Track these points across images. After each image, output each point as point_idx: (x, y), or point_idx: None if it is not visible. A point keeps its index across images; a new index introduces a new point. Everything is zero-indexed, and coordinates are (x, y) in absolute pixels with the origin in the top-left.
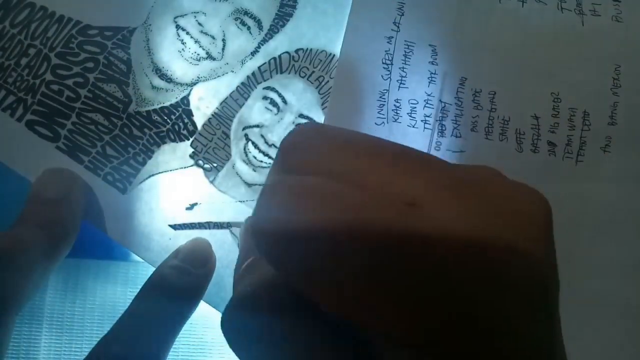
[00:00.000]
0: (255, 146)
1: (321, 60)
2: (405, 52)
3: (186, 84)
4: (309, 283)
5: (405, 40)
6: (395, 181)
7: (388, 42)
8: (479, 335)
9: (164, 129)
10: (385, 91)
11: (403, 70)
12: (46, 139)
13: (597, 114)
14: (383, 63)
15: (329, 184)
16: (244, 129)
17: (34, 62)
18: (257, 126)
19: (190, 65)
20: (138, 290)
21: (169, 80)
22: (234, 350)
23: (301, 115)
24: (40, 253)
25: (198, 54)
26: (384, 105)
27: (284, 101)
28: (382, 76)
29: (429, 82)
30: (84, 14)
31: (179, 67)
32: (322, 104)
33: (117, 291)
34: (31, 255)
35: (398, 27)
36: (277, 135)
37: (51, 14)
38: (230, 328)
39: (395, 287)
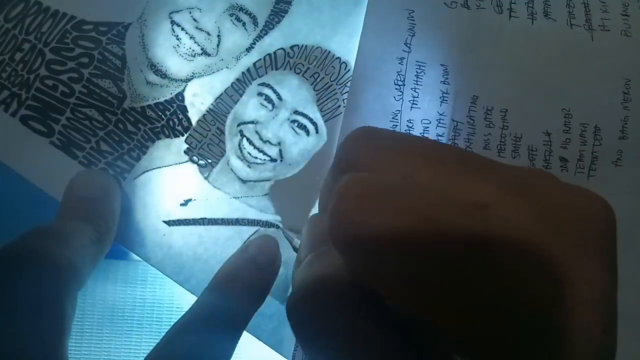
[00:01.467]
0: (250, 142)
1: (316, 57)
2: (417, 72)
3: (181, 80)
4: (381, 282)
5: (416, 61)
6: (462, 184)
7: (400, 63)
8: (539, 342)
9: (159, 124)
10: (397, 112)
11: (415, 91)
12: (40, 134)
13: (608, 129)
14: (395, 84)
15: (400, 183)
16: (238, 125)
17: (28, 57)
18: (252, 122)
19: (185, 61)
20: (139, 288)
21: (163, 76)
22: (297, 338)
23: (296, 112)
24: (88, 238)
25: (193, 50)
26: (397, 126)
27: (279, 97)
28: (394, 97)
29: (441, 102)
30: (78, 8)
31: (173, 62)
32: (317, 101)
33: (117, 290)
34: (81, 239)
35: (409, 47)
36: (271, 132)
37: (45, 9)
38: (294, 316)
39: (465, 289)
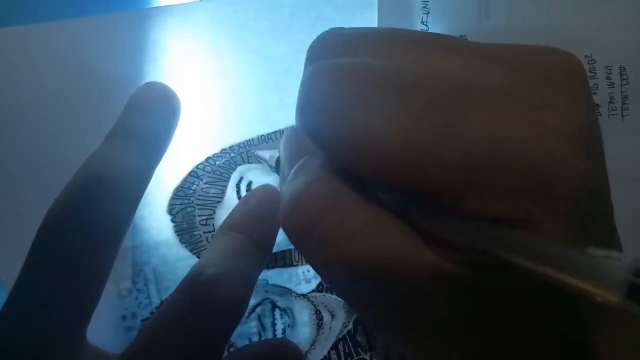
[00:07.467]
0: None
1: None
2: None
3: None
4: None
5: None
6: (428, 59)
7: None
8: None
9: None
10: None
11: None
12: None
13: (632, 66)
14: None
15: (370, 61)
16: None
17: None
18: None
19: None
20: None
21: None
22: (297, 247)
23: None
24: (132, 169)
25: None
26: None
27: None
28: None
29: None
30: None
31: None
32: None
33: None
34: (124, 175)
35: (427, 25)
36: None
37: None
38: (290, 227)
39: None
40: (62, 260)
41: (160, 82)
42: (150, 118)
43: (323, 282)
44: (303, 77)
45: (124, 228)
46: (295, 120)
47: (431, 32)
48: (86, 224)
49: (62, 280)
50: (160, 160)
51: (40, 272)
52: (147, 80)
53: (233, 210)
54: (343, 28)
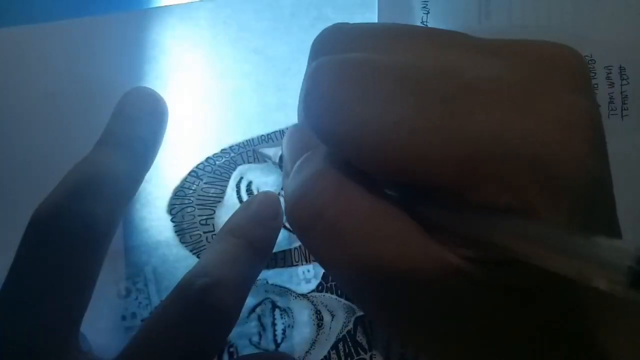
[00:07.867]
0: None
1: None
2: None
3: None
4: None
5: None
6: (433, 53)
7: None
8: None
9: None
10: None
11: None
12: None
13: (632, 66)
14: None
15: (375, 56)
16: None
17: None
18: None
19: None
20: None
21: None
22: (304, 242)
23: None
24: (121, 174)
25: None
26: None
27: None
28: None
29: None
30: None
31: None
32: None
33: None
34: (113, 179)
35: (427, 25)
36: None
37: None
38: (297, 222)
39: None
40: (49, 263)
41: (146, 87)
42: (137, 125)
43: (323, 282)
44: (307, 72)
45: (111, 233)
46: (299, 116)
47: (435, 28)
48: (72, 227)
49: (48, 285)
50: (149, 165)
51: (27, 276)
52: (147, 80)
53: (234, 214)
54: (347, 23)
